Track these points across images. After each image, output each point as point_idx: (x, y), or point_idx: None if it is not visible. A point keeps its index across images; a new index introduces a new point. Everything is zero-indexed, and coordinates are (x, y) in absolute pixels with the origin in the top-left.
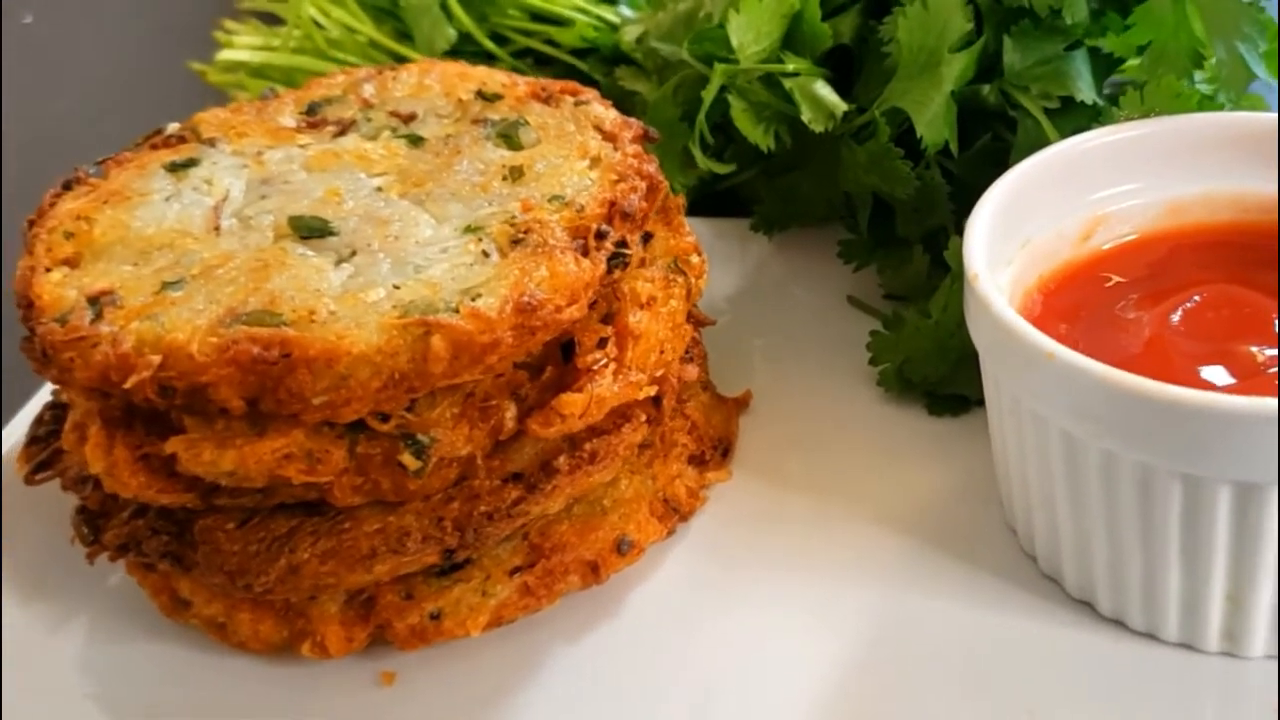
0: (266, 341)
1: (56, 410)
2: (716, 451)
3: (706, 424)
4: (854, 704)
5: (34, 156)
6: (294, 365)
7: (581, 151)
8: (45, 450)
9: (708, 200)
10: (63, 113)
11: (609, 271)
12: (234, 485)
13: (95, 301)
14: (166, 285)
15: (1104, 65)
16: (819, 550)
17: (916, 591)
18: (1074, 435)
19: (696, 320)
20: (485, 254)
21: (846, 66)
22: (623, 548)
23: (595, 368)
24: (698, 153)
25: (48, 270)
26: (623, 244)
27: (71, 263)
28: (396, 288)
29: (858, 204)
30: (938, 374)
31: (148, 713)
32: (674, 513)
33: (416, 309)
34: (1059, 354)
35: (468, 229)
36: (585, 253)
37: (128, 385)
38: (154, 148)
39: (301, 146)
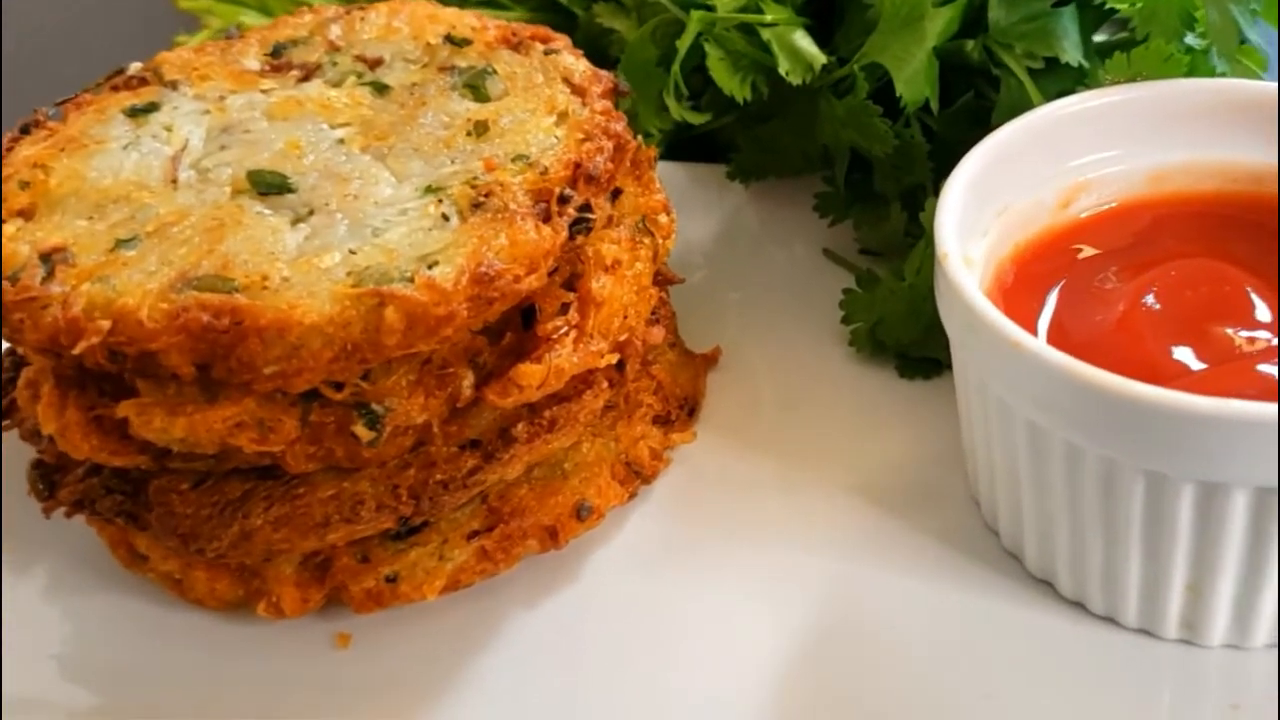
0: (217, 309)
1: (16, 358)
2: (682, 411)
3: (672, 383)
4: (809, 674)
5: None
6: (245, 334)
7: (549, 106)
8: (2, 399)
9: (685, 144)
10: (29, 35)
11: (571, 237)
12: (185, 451)
13: (48, 259)
14: (120, 243)
15: (1092, 22)
16: (780, 515)
17: (877, 562)
18: (1039, 425)
19: (664, 279)
20: (445, 217)
21: (829, 16)
22: (582, 513)
23: (555, 336)
24: (672, 102)
25: (2, 222)
26: (586, 208)
27: (26, 214)
28: (352, 252)
29: (835, 157)
30: (910, 337)
31: (102, 667)
32: (636, 476)
33: (371, 278)
34: (1025, 343)
35: (428, 189)
36: (547, 218)
37: (76, 350)
38: (115, 89)
39: (264, 92)
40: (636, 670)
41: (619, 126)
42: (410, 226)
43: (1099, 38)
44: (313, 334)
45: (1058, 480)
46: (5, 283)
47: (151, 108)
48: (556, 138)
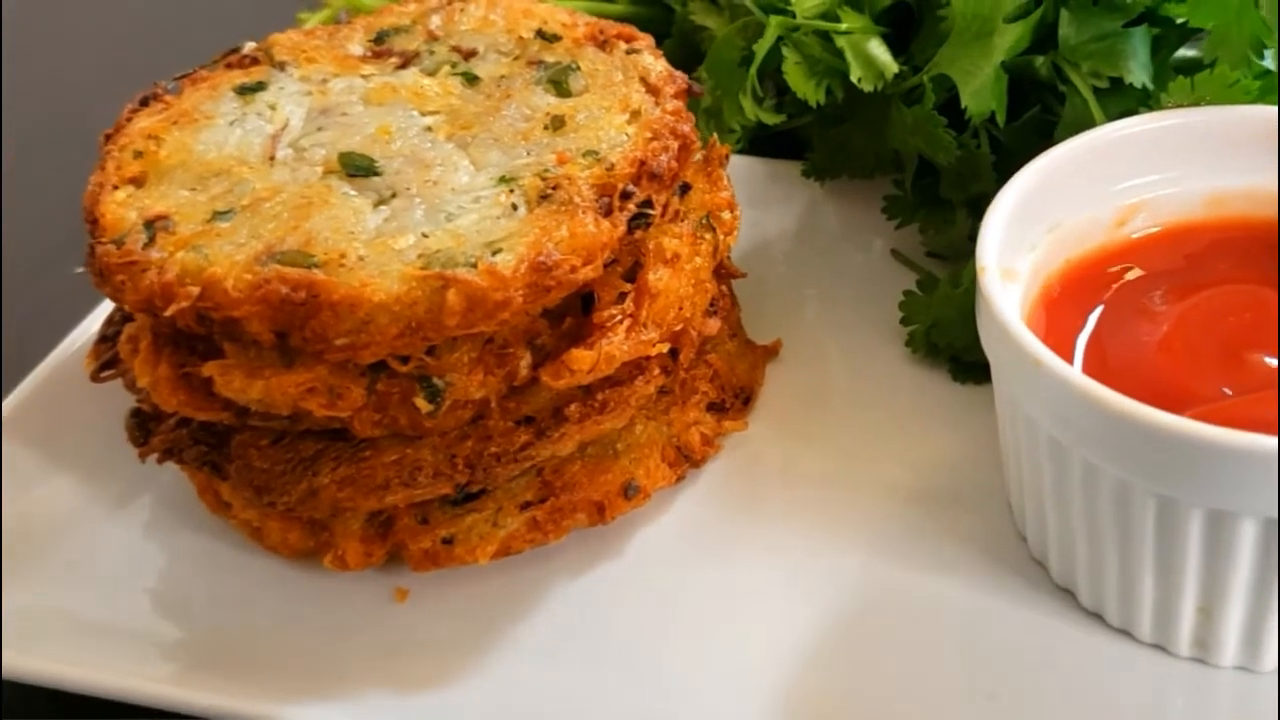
0: (295, 283)
1: (122, 314)
2: (737, 400)
3: (729, 372)
4: (825, 664)
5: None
6: (319, 307)
7: (623, 104)
8: (110, 350)
9: (771, 140)
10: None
11: (630, 232)
12: (262, 411)
13: (150, 225)
14: (217, 214)
15: (1175, 40)
16: (821, 508)
17: (907, 559)
18: (1059, 441)
19: (726, 273)
20: (514, 207)
21: (908, 25)
22: (629, 492)
23: (609, 324)
24: (748, 102)
25: (115, 188)
26: (647, 204)
27: (137, 181)
28: (425, 236)
29: (905, 162)
30: (962, 341)
31: (184, 602)
32: (685, 459)
33: (438, 261)
34: (1046, 361)
35: (502, 179)
36: (609, 212)
37: (167, 313)
38: (229, 67)
39: (364, 77)
40: (666, 643)
41: (686, 127)
42: (481, 214)
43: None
44: (380, 311)
45: (1076, 497)
46: (110, 246)
47: (259, 87)
48: (626, 135)
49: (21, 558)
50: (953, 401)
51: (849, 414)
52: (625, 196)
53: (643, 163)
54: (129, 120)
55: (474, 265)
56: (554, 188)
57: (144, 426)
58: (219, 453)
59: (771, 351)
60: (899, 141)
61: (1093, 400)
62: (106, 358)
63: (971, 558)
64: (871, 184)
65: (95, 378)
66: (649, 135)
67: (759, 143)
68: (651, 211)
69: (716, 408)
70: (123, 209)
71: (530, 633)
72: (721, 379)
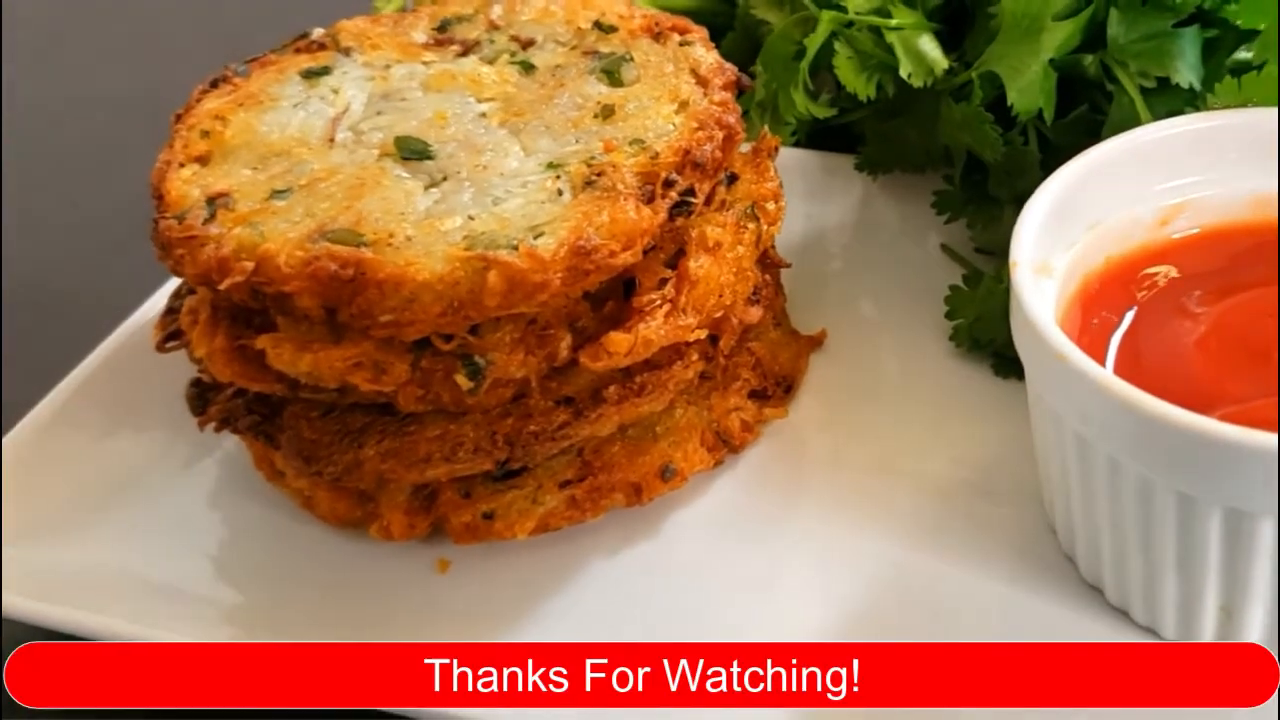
0: (344, 261)
1: (187, 288)
2: (779, 388)
3: (772, 360)
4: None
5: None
6: (365, 285)
7: (672, 95)
8: (174, 322)
9: (829, 133)
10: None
11: (671, 219)
12: (311, 384)
13: (212, 202)
14: (275, 193)
15: (1218, 49)
16: (857, 498)
17: (941, 551)
18: (1084, 436)
19: (771, 262)
20: (559, 192)
21: (961, 22)
22: (666, 474)
23: (648, 308)
24: (799, 95)
25: (181, 166)
26: (690, 192)
27: (203, 160)
28: (471, 218)
29: (955, 158)
30: (1005, 336)
31: (238, 567)
32: (724, 445)
33: (481, 243)
34: (1070, 356)
35: (550, 165)
36: (651, 199)
37: (222, 287)
38: (297, 51)
39: (425, 64)
40: (697, 623)
41: (732, 118)
42: (527, 198)
43: None
44: (424, 290)
45: (1101, 493)
46: (173, 221)
47: (324, 71)
48: (674, 125)
49: (85, 515)
50: (994, 396)
51: (890, 406)
52: (668, 185)
53: (687, 152)
54: (198, 101)
55: (515, 248)
56: (598, 174)
57: (203, 396)
58: (271, 423)
59: (816, 341)
60: (949, 137)
61: (1113, 395)
62: (171, 329)
63: (1003, 551)
64: (923, 179)
65: (160, 348)
66: (695, 125)
67: (816, 136)
68: (694, 200)
69: (758, 395)
70: (187, 185)
71: (565, 608)
72: (764, 367)
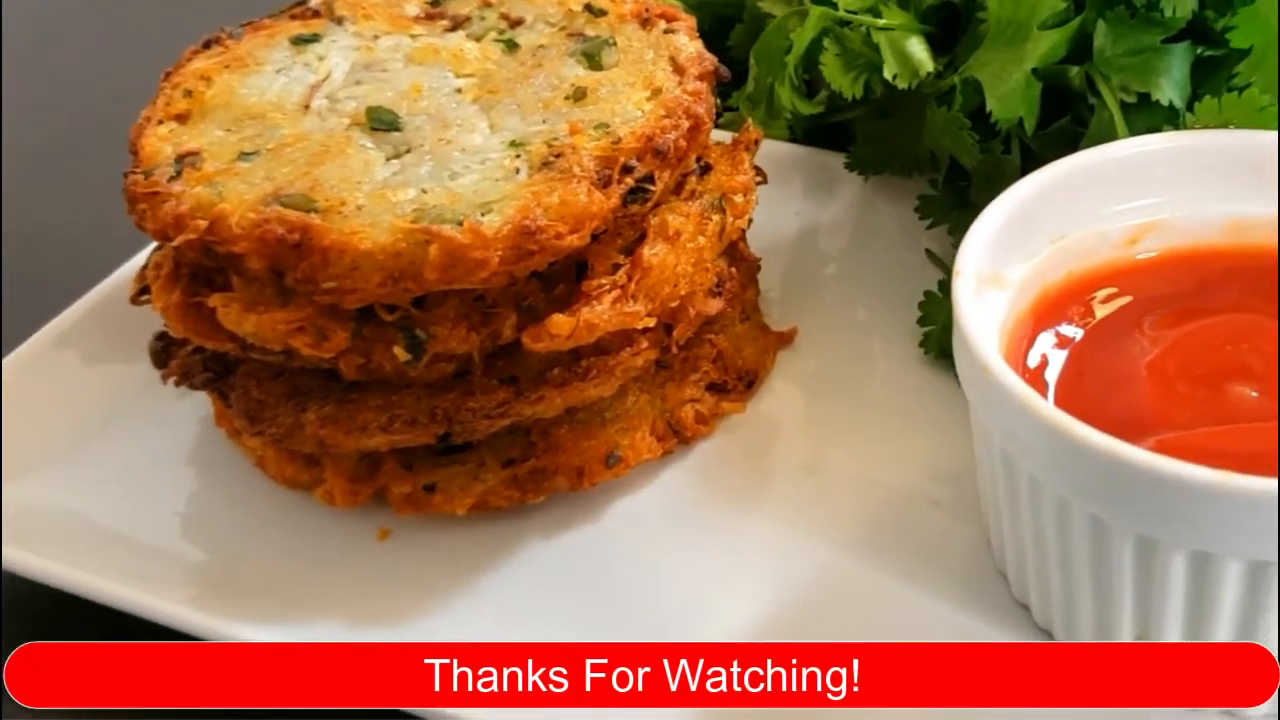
0: (291, 225)
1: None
2: (740, 383)
3: (735, 354)
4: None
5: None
6: (310, 251)
7: (647, 81)
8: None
9: (827, 130)
10: None
11: (626, 205)
12: (258, 345)
13: (181, 160)
14: (243, 155)
15: (1224, 68)
16: (802, 500)
17: (878, 559)
18: (1009, 453)
19: (741, 256)
20: (516, 170)
21: (955, 26)
22: (610, 461)
23: (595, 293)
24: (785, 91)
25: (160, 123)
26: (649, 179)
27: (182, 118)
28: (424, 191)
29: (940, 162)
30: None
31: (180, 520)
32: (675, 435)
33: (428, 216)
34: (995, 370)
35: (513, 143)
36: (607, 184)
37: (175, 242)
38: (292, 18)
39: (412, 37)
40: (620, 610)
41: (701, 109)
42: (483, 175)
43: None
44: (366, 259)
45: (1025, 509)
46: (139, 176)
47: (314, 38)
48: (643, 111)
49: (44, 459)
50: (958, 407)
51: (851, 410)
52: (626, 170)
53: (649, 139)
54: (188, 61)
55: (460, 223)
56: (557, 155)
57: (167, 350)
58: (225, 381)
59: (786, 339)
60: (932, 142)
61: (1033, 414)
62: (145, 283)
63: (935, 563)
64: (913, 182)
65: (134, 300)
66: (663, 113)
67: (816, 133)
68: (651, 188)
69: (718, 388)
70: (162, 142)
71: (496, 585)
72: (726, 360)
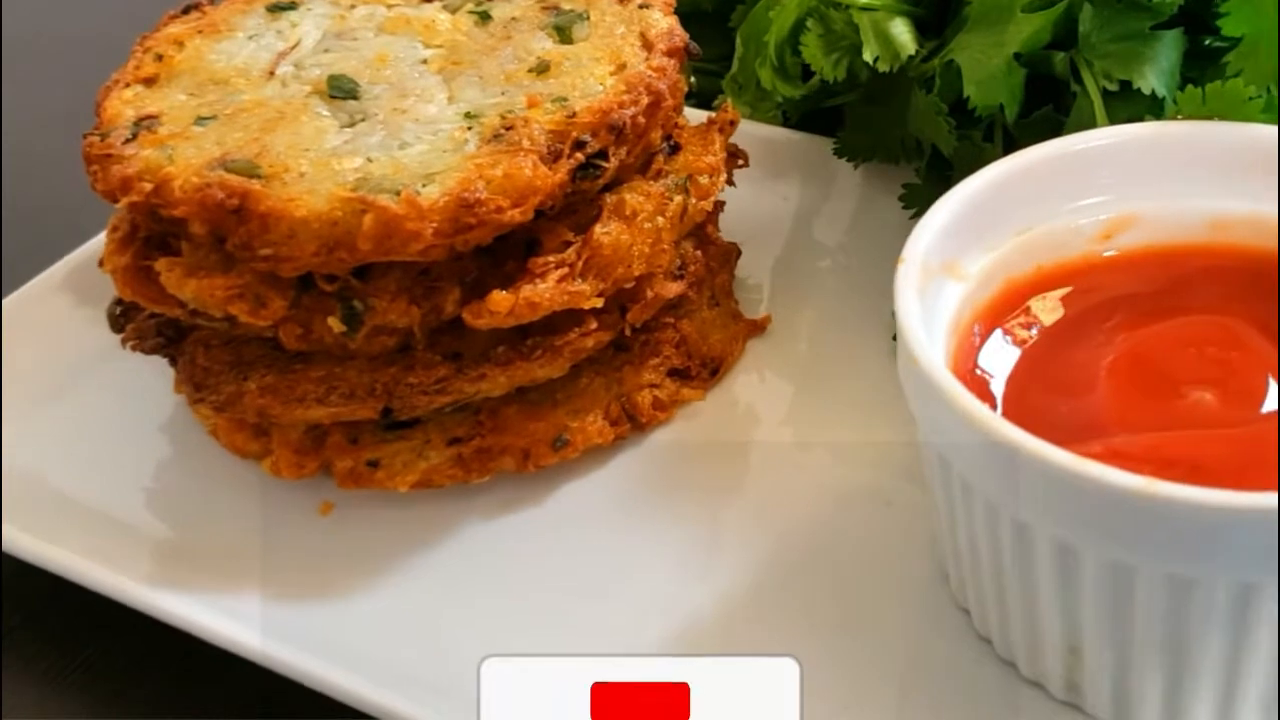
0: (230, 190)
1: None
2: (705, 369)
3: (700, 340)
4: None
5: None
6: (249, 216)
7: (614, 56)
8: None
9: (819, 115)
10: None
11: (574, 181)
12: (200, 310)
13: (139, 123)
14: (199, 120)
15: (1208, 57)
16: (750, 492)
17: (823, 557)
18: (941, 451)
19: (709, 239)
20: (465, 142)
21: (945, 9)
22: (558, 444)
23: (540, 270)
24: (766, 73)
25: (127, 86)
26: (601, 155)
27: (149, 82)
28: (370, 160)
29: (924, 149)
30: None
31: (128, 484)
32: (629, 420)
33: (368, 185)
34: (921, 361)
35: (468, 114)
36: (557, 158)
37: (120, 205)
38: None
39: (387, 6)
40: (560, 595)
41: (664, 85)
42: (431, 146)
43: None
44: (302, 226)
45: (960, 513)
46: (96, 137)
47: (290, 6)
48: (604, 87)
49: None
50: None
51: (816, 402)
52: (578, 146)
53: (605, 113)
54: (164, 25)
55: (397, 194)
56: (508, 128)
57: (125, 314)
58: (176, 347)
59: (759, 326)
60: (916, 129)
61: (957, 408)
62: None
63: (889, 563)
64: (905, 170)
65: (101, 264)
66: (623, 88)
67: (812, 117)
68: (604, 164)
69: (680, 374)
70: (125, 105)
71: (435, 564)
72: (689, 346)
